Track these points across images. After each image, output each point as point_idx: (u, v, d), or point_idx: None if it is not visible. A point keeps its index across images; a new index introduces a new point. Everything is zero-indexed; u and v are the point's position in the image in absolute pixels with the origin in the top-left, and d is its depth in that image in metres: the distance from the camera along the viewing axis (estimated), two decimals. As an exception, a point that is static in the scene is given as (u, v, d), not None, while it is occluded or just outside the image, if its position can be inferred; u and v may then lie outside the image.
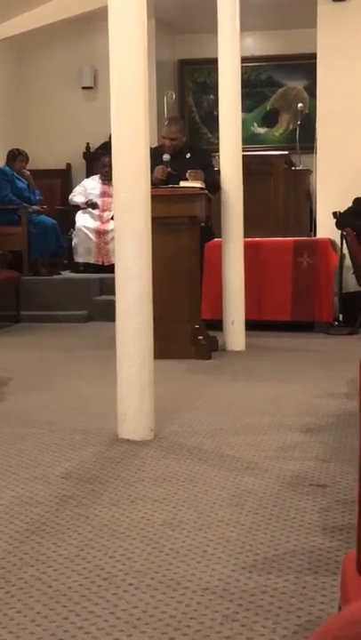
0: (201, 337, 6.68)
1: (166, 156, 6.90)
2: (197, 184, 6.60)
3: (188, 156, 7.09)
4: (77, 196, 10.04)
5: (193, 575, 2.69)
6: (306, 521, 3.15)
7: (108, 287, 7.97)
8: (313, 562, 2.78)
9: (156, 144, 7.17)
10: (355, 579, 1.76)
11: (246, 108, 9.60)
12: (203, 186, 6.60)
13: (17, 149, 9.70)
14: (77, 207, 9.97)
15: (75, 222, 9.85)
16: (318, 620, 2.40)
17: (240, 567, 2.74)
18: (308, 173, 9.29)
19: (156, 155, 6.23)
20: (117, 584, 2.63)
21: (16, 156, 9.64)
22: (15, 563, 2.81)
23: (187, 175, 6.70)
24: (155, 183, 6.00)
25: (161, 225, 5.78)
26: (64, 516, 3.24)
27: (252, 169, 7.96)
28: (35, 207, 9.51)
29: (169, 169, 6.89)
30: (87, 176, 10.54)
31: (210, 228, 7.00)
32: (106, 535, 3.03)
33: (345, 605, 1.77)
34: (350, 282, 8.19)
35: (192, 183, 6.61)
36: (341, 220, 8.02)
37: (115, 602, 2.51)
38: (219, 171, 7.16)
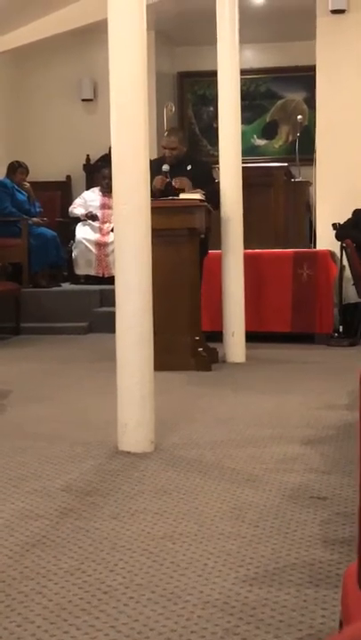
0: (201, 349, 6.68)
1: (165, 167, 6.91)
2: (197, 196, 6.61)
3: (189, 167, 7.10)
4: (77, 208, 10.05)
5: (194, 588, 2.68)
6: (307, 534, 3.14)
7: (109, 299, 7.98)
8: (314, 575, 2.77)
9: (155, 156, 7.19)
10: (356, 592, 1.76)
11: (246, 120, 9.62)
12: (202, 198, 6.61)
13: (17, 162, 9.71)
14: (77, 219, 9.99)
15: (75, 234, 9.86)
16: (319, 634, 2.39)
17: (241, 580, 2.73)
18: (307, 185, 9.30)
19: (156, 166, 6.24)
20: (118, 598, 2.62)
21: (16, 169, 9.66)
22: (15, 576, 2.80)
23: (173, 183, 6.72)
24: (154, 193, 6.01)
25: (161, 237, 5.79)
26: (64, 529, 3.23)
27: (252, 181, 7.97)
28: (35, 219, 9.52)
29: (168, 179, 6.89)
30: (87, 188, 10.56)
31: (206, 242, 6.99)
32: (106, 548, 3.02)
33: (345, 620, 1.76)
34: (350, 293, 8.19)
35: (192, 195, 6.62)
36: (341, 231, 8.03)
37: (115, 616, 2.50)
38: (218, 183, 7.17)
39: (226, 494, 3.61)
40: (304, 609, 2.53)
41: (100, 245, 9.69)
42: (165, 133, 7.45)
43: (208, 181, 6.94)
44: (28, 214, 9.50)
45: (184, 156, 7.20)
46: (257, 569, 2.82)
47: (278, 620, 2.46)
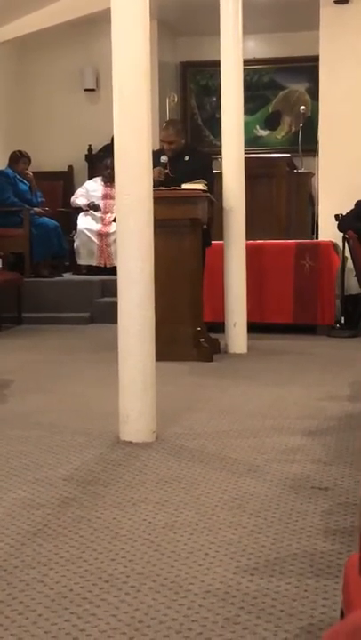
0: (203, 339, 6.68)
1: (164, 158, 6.89)
2: (199, 186, 6.59)
3: (187, 158, 7.07)
4: (79, 199, 10.04)
5: (195, 578, 2.68)
6: (307, 524, 3.14)
7: (110, 289, 7.98)
8: (315, 565, 2.78)
9: (157, 147, 7.17)
10: (357, 582, 1.76)
11: (248, 111, 9.60)
12: (205, 188, 6.60)
13: (19, 151, 9.69)
14: (79, 209, 9.97)
15: (77, 224, 9.85)
16: (320, 624, 2.40)
17: (242, 570, 2.74)
18: (310, 176, 9.29)
19: (155, 158, 6.22)
20: (119, 587, 2.63)
21: (19, 158, 9.64)
22: (17, 565, 2.80)
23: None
24: (153, 184, 5.99)
25: (163, 227, 5.78)
26: (66, 518, 3.24)
27: (255, 171, 7.96)
28: (37, 209, 9.51)
29: (167, 170, 6.88)
30: (89, 178, 10.54)
31: (208, 232, 6.98)
32: (107, 537, 3.03)
33: (347, 609, 1.77)
34: (352, 284, 8.18)
35: (194, 185, 6.60)
36: (343, 222, 8.02)
37: (116, 604, 2.51)
38: (220, 174, 7.16)
39: (227, 484, 3.61)
40: (305, 599, 2.54)
41: (102, 235, 9.68)
42: (163, 126, 7.42)
43: (205, 172, 6.91)
44: (30, 204, 9.49)
45: (183, 147, 7.17)
46: (258, 559, 2.83)
47: (279, 610, 2.46)
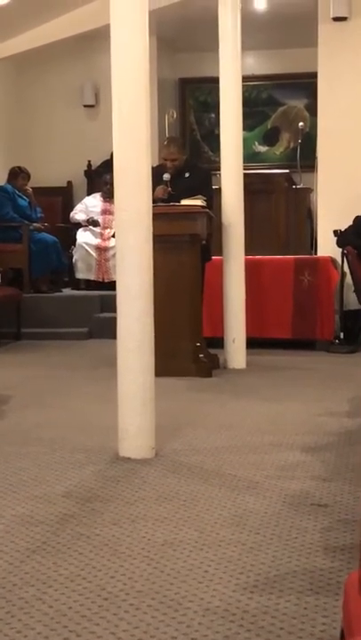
0: (202, 355, 6.68)
1: (166, 176, 6.90)
2: (198, 202, 6.60)
3: (187, 175, 7.08)
4: (78, 214, 10.05)
5: (194, 595, 2.67)
6: (307, 541, 3.13)
7: (109, 304, 7.96)
8: (314, 582, 2.77)
9: (157, 163, 7.18)
10: (357, 600, 1.75)
11: (247, 127, 9.61)
12: (204, 204, 6.61)
13: (18, 167, 9.71)
14: (78, 225, 9.98)
15: (76, 240, 9.85)
16: (320, 642, 2.38)
17: (241, 587, 2.73)
18: (308, 192, 9.31)
19: (156, 174, 6.23)
20: (118, 604, 2.62)
21: (18, 174, 9.65)
22: (16, 582, 2.79)
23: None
24: (155, 202, 6.00)
25: (162, 242, 5.78)
26: (65, 535, 3.23)
27: (254, 187, 7.97)
28: (36, 224, 9.52)
29: (169, 189, 6.89)
30: (88, 194, 10.55)
31: (208, 248, 6.98)
32: (107, 555, 3.02)
33: (347, 627, 1.76)
34: (351, 300, 8.19)
35: (193, 201, 6.61)
36: (342, 238, 8.03)
37: (115, 622, 2.50)
38: (219, 189, 7.17)
39: (226, 501, 3.61)
40: (304, 616, 2.53)
41: (101, 250, 9.69)
42: (164, 143, 7.43)
43: (205, 189, 6.92)
44: (30, 220, 9.50)
45: (184, 163, 7.19)
46: (257, 576, 2.82)
47: (279, 628, 2.45)
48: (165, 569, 2.88)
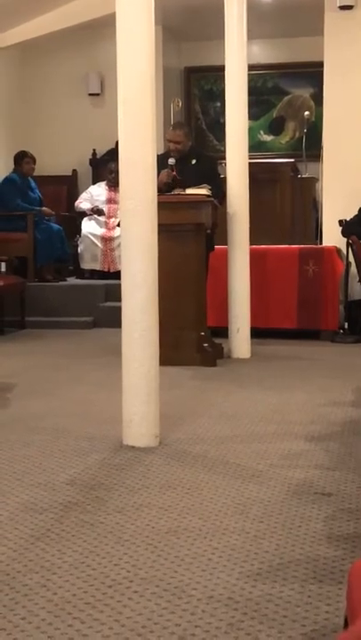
0: (206, 344, 6.68)
1: (171, 160, 6.88)
2: (203, 191, 6.59)
3: (194, 162, 7.08)
4: (83, 203, 10.04)
5: (198, 583, 2.68)
6: (311, 529, 3.14)
7: (114, 294, 7.98)
8: (318, 571, 2.77)
9: (162, 151, 7.17)
10: (361, 588, 1.75)
11: (253, 116, 9.60)
12: (209, 193, 6.60)
13: (22, 151, 9.62)
14: (83, 214, 9.98)
15: (80, 229, 9.85)
16: (323, 630, 2.39)
17: (245, 575, 2.73)
18: (314, 181, 9.29)
19: (161, 161, 6.22)
20: (122, 591, 2.63)
21: (22, 158, 9.58)
22: (20, 569, 2.80)
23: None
24: (160, 187, 6.00)
25: (167, 232, 5.79)
26: (69, 522, 3.23)
27: (259, 177, 7.96)
28: (45, 209, 9.47)
29: (174, 173, 6.88)
30: (93, 182, 10.55)
31: (212, 237, 6.98)
32: (111, 542, 3.03)
33: (351, 615, 1.76)
34: (356, 290, 8.18)
35: (198, 190, 6.61)
36: (347, 227, 8.02)
37: (119, 609, 2.51)
38: (225, 178, 7.16)
39: (230, 489, 3.61)
40: (308, 604, 2.53)
41: (106, 240, 9.69)
42: (170, 127, 7.42)
43: (213, 176, 6.93)
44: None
45: (189, 150, 7.18)
46: (261, 564, 2.82)
47: (282, 616, 2.46)
48: (169, 557, 2.89)
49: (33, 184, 9.67)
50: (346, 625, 1.88)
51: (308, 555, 2.90)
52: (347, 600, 1.85)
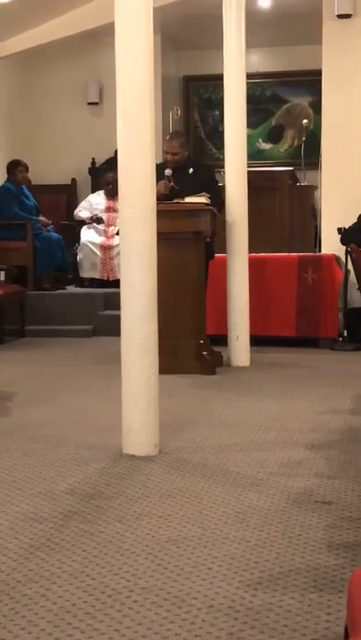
0: (206, 352, 6.68)
1: (168, 171, 6.89)
2: (202, 199, 6.60)
3: (191, 170, 7.10)
4: (82, 211, 10.05)
5: (198, 592, 2.68)
6: (311, 538, 3.13)
7: (113, 302, 7.97)
8: (318, 579, 2.77)
9: (160, 160, 7.18)
10: (362, 597, 1.75)
11: (251, 124, 9.63)
12: (208, 201, 6.61)
13: (16, 160, 9.66)
14: (82, 222, 9.98)
15: (80, 237, 9.86)
16: (323, 639, 2.39)
17: (245, 584, 2.73)
18: (312, 189, 9.31)
19: (159, 171, 6.24)
20: (122, 601, 2.62)
21: (15, 167, 9.61)
22: (20, 579, 2.80)
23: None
24: (158, 198, 6.00)
25: (166, 240, 5.79)
26: (69, 532, 3.23)
27: (258, 185, 7.97)
28: (42, 219, 9.49)
29: (171, 183, 6.89)
30: (92, 191, 10.56)
31: (211, 245, 6.99)
32: (110, 552, 3.02)
33: (351, 624, 1.76)
34: (355, 298, 8.19)
35: (197, 199, 6.61)
36: (346, 235, 8.03)
37: (119, 619, 2.50)
38: (223, 186, 7.17)
39: (230, 498, 3.61)
40: (308, 613, 2.53)
41: (105, 248, 9.69)
42: (167, 137, 7.44)
43: (211, 184, 6.94)
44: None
45: (186, 159, 7.19)
46: (261, 573, 2.82)
47: (283, 625, 2.45)
48: (169, 566, 2.89)
49: (27, 191, 9.69)
50: (346, 634, 1.88)
51: (309, 563, 2.90)
52: (347, 609, 1.85)
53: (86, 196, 10.39)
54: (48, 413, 5.33)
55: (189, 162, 7.25)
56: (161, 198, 6.48)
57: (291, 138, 11.07)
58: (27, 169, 9.67)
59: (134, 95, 4.29)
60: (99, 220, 9.87)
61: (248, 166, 7.25)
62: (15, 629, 2.45)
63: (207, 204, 6.58)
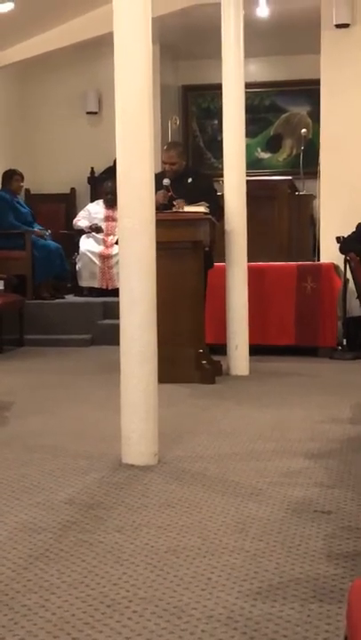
0: (205, 361, 6.68)
1: (166, 181, 6.90)
2: (201, 209, 6.61)
3: (190, 180, 7.11)
4: (81, 221, 10.06)
5: (197, 603, 2.67)
6: (310, 548, 3.13)
7: (112, 311, 7.98)
8: (318, 589, 2.76)
9: (159, 169, 7.19)
10: (361, 608, 1.74)
11: (250, 134, 9.63)
12: (207, 211, 6.61)
13: (11, 169, 9.70)
14: (81, 231, 9.99)
15: (79, 246, 9.87)
16: (324, 649, 2.38)
17: (245, 595, 2.72)
18: (311, 198, 9.31)
19: (157, 180, 6.24)
20: (121, 611, 2.61)
21: (11, 176, 9.64)
22: (19, 589, 2.79)
23: (174, 203, 6.72)
24: (157, 208, 6.01)
25: (165, 249, 5.79)
26: (67, 542, 3.22)
27: (256, 194, 7.97)
28: (37, 230, 9.51)
29: (170, 193, 6.90)
30: (91, 200, 10.57)
31: (210, 254, 7.00)
32: (110, 562, 3.01)
33: (351, 634, 1.75)
34: (354, 306, 8.18)
35: (196, 208, 6.62)
36: (345, 244, 8.02)
37: (118, 629, 2.50)
38: (222, 195, 7.18)
39: (230, 508, 3.60)
40: (308, 624, 2.52)
41: (104, 258, 9.70)
42: (165, 147, 7.45)
43: (210, 194, 6.94)
44: (32, 227, 9.52)
45: (185, 169, 7.20)
46: (261, 583, 2.81)
47: (282, 635, 2.45)
48: (168, 576, 2.88)
49: (20, 200, 9.72)
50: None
51: (308, 573, 2.89)
52: (347, 619, 1.84)
53: (85, 206, 10.41)
54: (47, 423, 5.32)
55: (188, 171, 7.27)
56: (160, 208, 6.49)
57: (289, 147, 11.08)
58: (22, 178, 9.71)
59: (133, 104, 4.30)
60: (98, 230, 9.88)
61: (247, 175, 7.26)
62: (14, 640, 2.44)
63: (206, 214, 6.58)
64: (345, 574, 2.87)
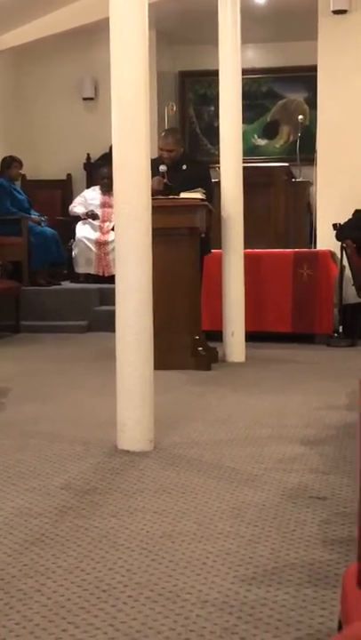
0: (201, 348, 6.68)
1: (163, 167, 6.89)
2: (198, 195, 6.60)
3: (185, 167, 7.09)
4: (77, 207, 10.04)
5: (192, 587, 2.68)
6: (306, 533, 3.14)
7: (108, 298, 7.98)
8: (313, 574, 2.77)
9: (155, 155, 7.18)
10: (355, 592, 1.76)
11: (247, 120, 9.60)
12: (203, 197, 6.60)
13: (10, 156, 9.68)
14: (78, 218, 9.98)
15: (75, 233, 9.85)
16: (318, 634, 2.39)
17: (240, 580, 2.73)
18: (308, 185, 9.31)
19: (153, 167, 6.23)
20: (117, 596, 2.62)
21: (11, 163, 9.63)
22: (14, 574, 2.80)
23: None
24: (152, 194, 6.00)
25: (161, 236, 5.77)
26: (63, 527, 3.23)
27: (253, 181, 7.96)
28: (34, 217, 9.50)
29: (165, 180, 6.88)
30: (87, 187, 10.55)
31: (207, 241, 6.99)
32: (105, 547, 3.02)
33: (345, 619, 1.76)
34: (350, 294, 8.19)
35: (192, 194, 6.61)
36: (341, 231, 8.03)
37: (114, 614, 2.50)
38: (219, 182, 7.17)
39: (225, 493, 3.61)
40: (303, 608, 2.53)
41: (100, 244, 9.69)
42: (162, 134, 7.43)
43: (205, 182, 6.92)
44: (28, 214, 9.50)
45: (181, 156, 7.19)
46: (256, 568, 2.82)
47: (277, 620, 2.46)
48: (164, 561, 2.89)
49: (17, 187, 9.72)
50: (340, 629, 1.88)
51: (303, 559, 2.90)
52: (341, 604, 1.85)
53: (81, 192, 10.39)
54: (43, 409, 5.33)
55: (184, 158, 7.25)
56: (154, 195, 6.47)
57: (286, 134, 11.06)
58: (21, 165, 9.70)
59: (129, 91, 4.29)
60: (94, 216, 9.87)
61: (243, 162, 7.25)
62: (9, 624, 2.45)
63: (202, 200, 6.57)
64: (340, 559, 2.88)
